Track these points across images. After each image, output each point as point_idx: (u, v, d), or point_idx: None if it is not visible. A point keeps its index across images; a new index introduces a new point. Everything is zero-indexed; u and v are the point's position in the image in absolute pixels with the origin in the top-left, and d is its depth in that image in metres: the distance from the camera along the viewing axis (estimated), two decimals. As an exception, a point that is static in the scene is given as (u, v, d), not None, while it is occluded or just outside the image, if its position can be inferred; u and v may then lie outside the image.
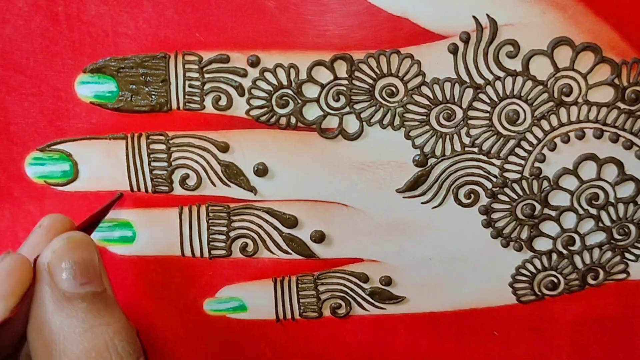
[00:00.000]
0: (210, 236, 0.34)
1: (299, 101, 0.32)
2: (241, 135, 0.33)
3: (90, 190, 0.33)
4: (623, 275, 0.35)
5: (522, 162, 0.32)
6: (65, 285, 0.27)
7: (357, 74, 0.32)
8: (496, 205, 0.33)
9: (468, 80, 0.31)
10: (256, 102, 0.32)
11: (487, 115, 0.32)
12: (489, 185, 0.33)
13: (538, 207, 0.33)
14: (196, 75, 0.32)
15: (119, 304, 0.29)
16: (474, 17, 0.31)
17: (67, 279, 0.27)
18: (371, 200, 0.33)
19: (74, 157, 0.33)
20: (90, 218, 0.32)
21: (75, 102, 0.32)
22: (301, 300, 0.35)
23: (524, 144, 0.32)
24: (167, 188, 0.33)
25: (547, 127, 0.32)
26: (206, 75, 0.32)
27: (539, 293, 0.35)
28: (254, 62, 0.32)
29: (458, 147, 0.32)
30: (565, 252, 0.34)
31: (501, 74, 0.31)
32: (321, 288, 0.35)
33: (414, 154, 0.33)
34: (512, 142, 0.32)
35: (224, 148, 0.33)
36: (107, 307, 0.28)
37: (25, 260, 0.27)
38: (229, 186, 0.33)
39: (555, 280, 0.34)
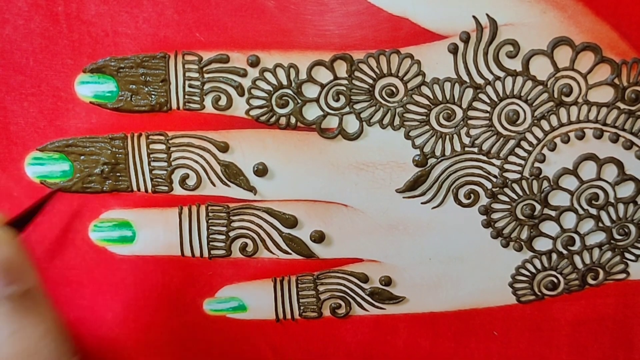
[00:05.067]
0: (210, 236, 0.34)
1: (299, 101, 0.32)
2: (241, 135, 0.33)
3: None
4: (623, 275, 0.35)
5: (522, 162, 0.32)
6: None
7: (357, 73, 0.32)
8: (496, 206, 0.33)
9: (468, 80, 0.31)
10: (256, 102, 0.32)
11: (487, 115, 0.32)
12: (488, 185, 0.33)
13: (538, 207, 0.33)
14: (196, 75, 0.32)
15: (49, 299, 0.27)
16: (474, 17, 0.31)
17: None
18: (371, 200, 0.33)
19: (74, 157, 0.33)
20: (22, 213, 0.30)
21: (75, 102, 0.32)
22: (301, 300, 0.35)
23: (523, 144, 0.32)
24: (167, 188, 0.33)
25: (547, 127, 0.32)
26: (206, 75, 0.32)
27: (538, 293, 0.35)
28: (254, 62, 0.32)
29: (458, 147, 0.32)
30: (565, 252, 0.34)
31: (501, 74, 0.31)
32: (321, 288, 0.35)
33: (413, 154, 0.33)
34: (512, 142, 0.32)
35: (224, 148, 0.33)
36: (34, 306, 0.26)
37: None
38: (228, 186, 0.33)
39: (555, 280, 0.34)
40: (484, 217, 0.33)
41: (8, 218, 0.28)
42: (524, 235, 0.34)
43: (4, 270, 0.25)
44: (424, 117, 0.32)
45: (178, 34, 0.31)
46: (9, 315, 0.25)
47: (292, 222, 0.34)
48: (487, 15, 0.31)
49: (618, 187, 0.33)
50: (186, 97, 0.32)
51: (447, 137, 0.32)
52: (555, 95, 0.31)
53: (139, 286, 0.35)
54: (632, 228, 0.34)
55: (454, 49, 0.31)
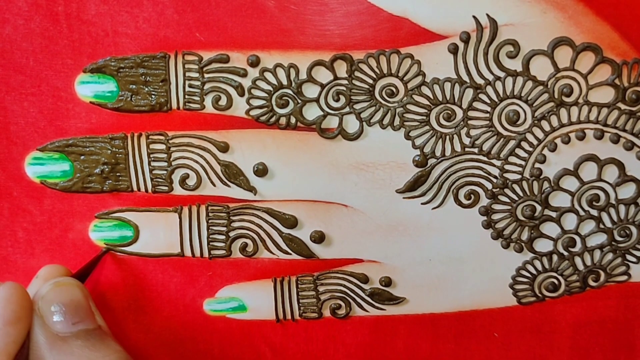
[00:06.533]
0: (210, 236, 0.34)
1: (299, 101, 0.32)
2: (241, 135, 0.33)
3: (90, 189, 0.34)
4: (624, 277, 0.34)
5: (523, 162, 0.32)
6: (57, 327, 0.28)
7: (357, 74, 0.32)
8: (496, 206, 0.33)
9: (468, 81, 0.31)
10: (256, 102, 0.32)
11: (487, 115, 0.32)
12: (489, 186, 0.33)
13: (538, 208, 0.33)
14: (196, 75, 0.32)
15: (115, 340, 0.30)
16: (474, 17, 0.31)
17: (58, 320, 0.28)
18: (371, 200, 0.33)
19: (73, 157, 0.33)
20: (80, 270, 0.33)
21: (75, 102, 0.32)
22: (301, 301, 0.35)
23: (524, 144, 0.32)
24: (167, 188, 0.33)
25: (547, 128, 0.32)
26: (206, 75, 0.32)
27: (539, 294, 0.35)
28: (254, 62, 0.32)
29: (458, 148, 0.32)
30: (566, 253, 0.34)
31: (501, 74, 0.31)
32: (321, 288, 0.35)
33: (413, 154, 0.32)
34: (512, 143, 0.32)
35: (224, 148, 0.33)
36: (102, 341, 0.29)
37: (19, 286, 0.28)
38: (228, 186, 0.33)
39: (555, 281, 0.34)
40: (485, 217, 0.33)
41: (72, 272, 0.33)
42: (525, 236, 0.34)
43: (71, 311, 0.29)
44: (424, 117, 0.32)
45: (178, 34, 0.32)
46: (85, 346, 0.28)
47: (292, 222, 0.34)
48: (488, 15, 0.31)
49: (619, 188, 0.33)
50: (186, 97, 0.32)
51: (447, 137, 0.32)
52: (556, 96, 0.31)
53: (139, 286, 0.35)
54: (634, 230, 0.33)
55: (454, 49, 0.31)
